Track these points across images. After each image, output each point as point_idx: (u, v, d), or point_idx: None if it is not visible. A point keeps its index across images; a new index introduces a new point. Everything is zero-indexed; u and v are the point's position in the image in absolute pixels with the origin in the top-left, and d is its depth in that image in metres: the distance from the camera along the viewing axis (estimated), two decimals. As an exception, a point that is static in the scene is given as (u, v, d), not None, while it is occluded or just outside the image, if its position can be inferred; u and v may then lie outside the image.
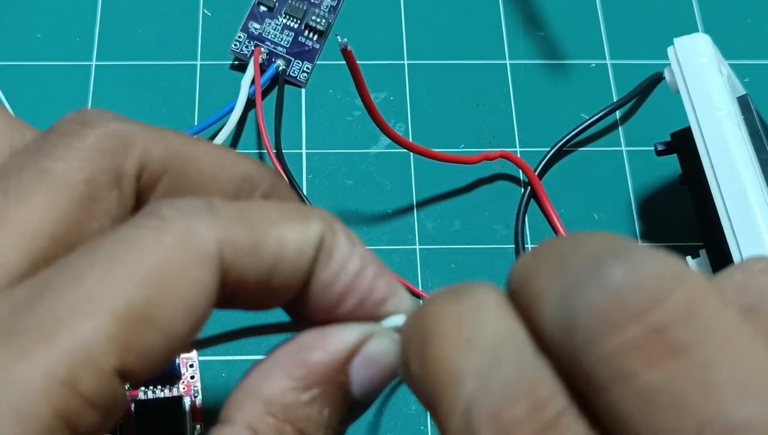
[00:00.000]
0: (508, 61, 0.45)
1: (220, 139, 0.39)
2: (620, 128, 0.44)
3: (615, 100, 0.44)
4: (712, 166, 0.33)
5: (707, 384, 0.13)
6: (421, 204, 0.41)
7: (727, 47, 0.46)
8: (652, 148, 0.38)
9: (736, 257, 0.31)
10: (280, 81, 0.42)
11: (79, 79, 0.43)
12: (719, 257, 0.33)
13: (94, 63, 0.43)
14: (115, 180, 0.21)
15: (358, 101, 0.43)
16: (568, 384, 0.15)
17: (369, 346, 0.21)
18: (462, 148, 0.43)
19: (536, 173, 0.41)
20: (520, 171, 0.42)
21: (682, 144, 0.35)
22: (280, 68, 0.43)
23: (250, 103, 0.42)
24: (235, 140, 0.42)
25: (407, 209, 0.41)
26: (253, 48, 0.43)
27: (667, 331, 0.14)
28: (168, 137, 0.23)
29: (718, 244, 0.32)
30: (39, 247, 0.20)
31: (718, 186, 0.32)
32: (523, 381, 0.15)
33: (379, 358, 0.21)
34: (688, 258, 0.35)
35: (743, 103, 0.35)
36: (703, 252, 0.34)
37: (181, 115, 0.42)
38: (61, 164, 0.20)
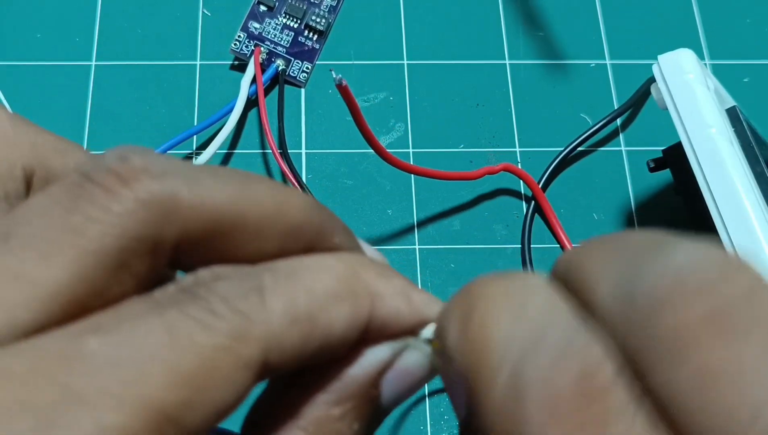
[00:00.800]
0: (507, 61, 0.45)
1: (220, 138, 0.39)
2: (620, 132, 0.44)
3: (614, 101, 0.44)
4: (708, 185, 0.33)
5: (765, 367, 0.13)
6: (421, 204, 0.41)
7: (727, 47, 0.46)
8: (652, 149, 0.38)
9: None
10: (280, 81, 0.42)
11: (79, 79, 0.43)
12: None
13: (94, 63, 0.43)
14: (150, 249, 0.19)
15: (358, 101, 0.43)
16: (620, 363, 0.15)
17: (403, 359, 0.21)
18: (462, 148, 0.43)
19: (540, 186, 0.41)
20: (521, 182, 0.42)
21: (675, 160, 0.35)
22: (280, 68, 0.43)
23: (250, 103, 0.42)
24: (235, 140, 0.42)
25: (407, 209, 0.41)
26: (252, 48, 0.43)
27: (729, 313, 0.14)
28: (220, 195, 0.19)
29: None
30: (53, 310, 0.18)
31: (715, 204, 0.32)
32: (574, 348, 0.15)
33: (412, 370, 0.21)
34: None
35: (732, 115, 0.35)
36: None
37: (181, 114, 0.42)
38: (95, 228, 0.18)
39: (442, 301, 0.21)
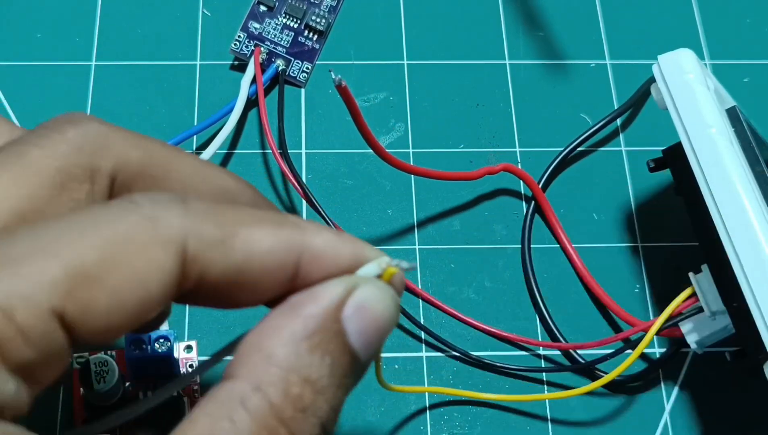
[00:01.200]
0: (507, 61, 0.45)
1: (220, 138, 0.39)
2: (620, 132, 0.44)
3: (614, 101, 0.44)
4: (708, 186, 0.32)
5: None
6: (421, 204, 0.41)
7: (727, 47, 0.46)
8: (653, 149, 0.38)
9: (739, 275, 0.31)
10: (280, 81, 0.42)
11: (79, 79, 0.43)
12: (721, 274, 0.33)
13: (94, 63, 0.43)
14: (88, 174, 0.23)
15: (358, 101, 0.43)
16: None
17: (357, 294, 0.22)
18: (462, 148, 0.43)
19: (540, 186, 0.41)
20: (521, 182, 0.42)
21: (675, 160, 0.35)
22: (280, 68, 0.43)
23: (250, 103, 0.42)
24: (235, 140, 0.42)
25: (407, 209, 0.41)
26: (252, 48, 0.43)
27: None
28: (149, 145, 0.24)
29: (719, 261, 0.32)
30: (1, 218, 0.21)
31: (715, 204, 0.32)
32: None
33: (369, 304, 0.22)
34: (691, 274, 0.34)
35: (732, 115, 0.35)
36: (705, 268, 0.34)
37: (181, 114, 0.42)
38: (37, 151, 0.22)
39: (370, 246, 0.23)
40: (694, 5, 0.47)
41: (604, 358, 0.37)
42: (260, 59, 0.42)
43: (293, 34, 0.44)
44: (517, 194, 0.42)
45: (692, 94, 0.34)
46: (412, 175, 0.42)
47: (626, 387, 0.38)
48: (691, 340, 0.35)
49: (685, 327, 0.35)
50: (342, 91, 0.32)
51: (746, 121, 0.35)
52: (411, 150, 0.42)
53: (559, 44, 0.46)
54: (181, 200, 0.21)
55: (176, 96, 0.43)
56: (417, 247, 0.40)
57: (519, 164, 0.42)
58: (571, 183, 0.42)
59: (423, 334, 0.38)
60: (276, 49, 0.43)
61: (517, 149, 0.43)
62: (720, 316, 0.34)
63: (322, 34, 0.44)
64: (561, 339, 0.38)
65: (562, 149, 0.42)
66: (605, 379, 0.35)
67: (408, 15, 0.46)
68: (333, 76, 0.31)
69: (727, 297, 0.33)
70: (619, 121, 0.44)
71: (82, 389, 0.35)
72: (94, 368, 0.33)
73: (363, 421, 0.36)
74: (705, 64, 0.45)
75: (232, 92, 0.41)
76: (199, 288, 0.21)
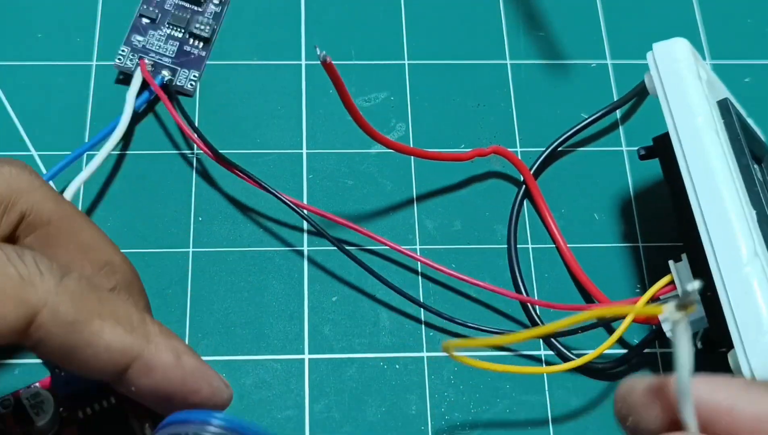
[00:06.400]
0: (508, 61, 0.45)
1: (104, 152, 0.39)
2: (620, 127, 0.44)
3: (615, 100, 0.44)
4: (689, 172, 0.33)
5: None
6: (422, 204, 0.41)
7: (727, 47, 0.46)
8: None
9: (712, 264, 0.32)
10: (168, 91, 0.42)
11: (80, 79, 0.43)
12: (697, 263, 0.33)
13: (94, 63, 0.43)
14: (3, 206, 0.27)
15: (359, 101, 0.43)
16: None
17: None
18: (462, 148, 0.43)
19: (532, 172, 0.41)
20: (520, 180, 0.42)
21: (663, 149, 0.35)
22: (166, 78, 0.42)
23: (141, 115, 0.42)
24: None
25: (407, 209, 0.41)
26: (137, 61, 0.42)
27: None
28: (64, 203, 0.29)
29: (697, 250, 0.32)
30: None
31: (695, 192, 0.32)
32: None
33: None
34: (671, 262, 0.35)
35: (723, 107, 0.35)
36: (684, 256, 0.34)
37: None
38: None
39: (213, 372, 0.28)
40: (695, 5, 0.47)
41: (575, 332, 0.37)
42: (148, 69, 0.42)
43: (178, 43, 0.43)
44: (513, 192, 0.42)
45: (681, 82, 0.34)
46: (413, 175, 0.42)
47: (608, 373, 0.38)
48: (667, 328, 0.35)
49: (662, 315, 0.35)
50: (327, 67, 0.32)
51: (738, 114, 0.35)
52: (411, 150, 0.42)
53: (560, 44, 0.46)
54: (60, 275, 0.25)
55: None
56: (417, 247, 0.40)
57: (520, 164, 0.42)
58: (572, 183, 0.42)
59: (422, 313, 0.38)
60: (162, 60, 0.43)
61: (518, 149, 0.43)
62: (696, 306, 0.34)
63: (207, 42, 0.43)
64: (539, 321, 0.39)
65: (558, 136, 0.42)
66: (585, 358, 0.36)
67: (409, 15, 0.46)
68: (318, 52, 0.31)
69: (703, 288, 0.33)
70: (618, 114, 0.44)
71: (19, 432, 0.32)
72: (27, 403, 0.32)
73: (363, 421, 0.36)
74: (705, 63, 0.45)
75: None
76: (35, 348, 0.25)
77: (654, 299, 0.35)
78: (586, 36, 0.46)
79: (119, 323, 0.26)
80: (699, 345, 0.34)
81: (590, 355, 0.36)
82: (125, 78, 0.43)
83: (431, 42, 0.45)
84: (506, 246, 0.40)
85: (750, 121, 0.39)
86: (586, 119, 0.43)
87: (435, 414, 0.37)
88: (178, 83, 0.43)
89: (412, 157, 0.42)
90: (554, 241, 0.40)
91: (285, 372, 0.37)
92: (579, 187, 0.42)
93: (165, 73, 0.42)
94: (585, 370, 0.38)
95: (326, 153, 0.42)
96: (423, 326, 0.38)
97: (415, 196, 0.41)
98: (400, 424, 0.36)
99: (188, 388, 0.27)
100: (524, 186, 0.41)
